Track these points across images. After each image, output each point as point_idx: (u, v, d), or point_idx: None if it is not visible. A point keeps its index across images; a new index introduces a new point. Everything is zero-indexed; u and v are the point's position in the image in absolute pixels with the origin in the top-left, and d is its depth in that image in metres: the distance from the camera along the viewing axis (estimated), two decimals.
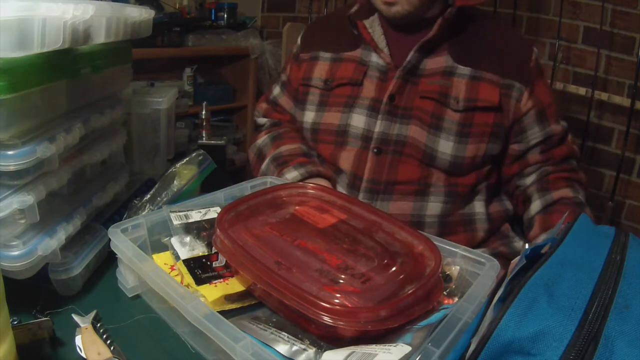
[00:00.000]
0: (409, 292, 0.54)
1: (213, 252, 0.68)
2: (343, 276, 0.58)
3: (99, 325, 0.62)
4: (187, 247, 0.69)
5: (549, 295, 0.40)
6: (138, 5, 1.00)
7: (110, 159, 0.87)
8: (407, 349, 0.48)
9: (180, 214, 0.73)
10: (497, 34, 0.95)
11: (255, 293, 0.62)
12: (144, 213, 0.80)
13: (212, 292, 0.61)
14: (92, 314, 0.63)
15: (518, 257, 0.47)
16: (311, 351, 0.52)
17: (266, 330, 0.55)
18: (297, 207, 0.75)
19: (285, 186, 0.80)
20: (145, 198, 0.84)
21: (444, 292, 0.61)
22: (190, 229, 0.72)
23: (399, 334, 0.52)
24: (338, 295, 0.55)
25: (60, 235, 0.65)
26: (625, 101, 1.81)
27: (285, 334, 0.54)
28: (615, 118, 1.95)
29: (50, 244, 0.63)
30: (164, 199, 0.84)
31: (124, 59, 0.86)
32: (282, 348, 0.52)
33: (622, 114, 1.87)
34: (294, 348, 0.52)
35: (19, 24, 0.51)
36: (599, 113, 1.99)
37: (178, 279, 0.65)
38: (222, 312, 0.55)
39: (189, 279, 0.63)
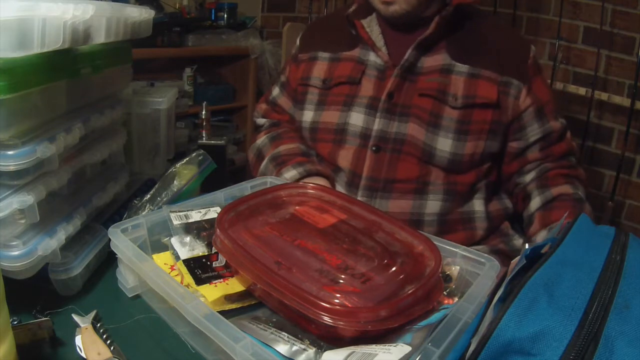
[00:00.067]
0: (409, 292, 0.54)
1: (213, 252, 0.68)
2: (343, 276, 0.58)
3: (99, 325, 0.62)
4: (187, 247, 0.69)
5: (549, 295, 0.40)
6: (138, 5, 1.00)
7: (110, 159, 0.87)
8: (407, 349, 0.48)
9: (180, 214, 0.73)
10: (494, 32, 0.95)
11: (255, 293, 0.62)
12: (144, 213, 0.80)
13: (212, 292, 0.61)
14: (92, 314, 0.63)
15: (518, 257, 0.47)
16: (311, 351, 0.52)
17: (266, 330, 0.55)
18: (297, 207, 0.75)
19: (285, 186, 0.80)
20: (145, 198, 0.84)
21: (444, 292, 0.61)
22: (190, 229, 0.72)
23: (399, 334, 0.52)
24: (338, 295, 0.55)
25: (60, 235, 0.65)
26: (625, 101, 1.82)
27: (285, 334, 0.54)
28: (615, 118, 1.95)
29: (50, 244, 0.63)
30: (164, 199, 0.84)
31: (124, 59, 0.86)
32: (282, 348, 0.52)
33: (622, 114, 1.87)
34: (294, 348, 0.52)
35: (19, 24, 0.51)
36: (599, 113, 1.99)
37: (178, 279, 0.65)
38: (222, 312, 0.55)
39: (189, 279, 0.63)
